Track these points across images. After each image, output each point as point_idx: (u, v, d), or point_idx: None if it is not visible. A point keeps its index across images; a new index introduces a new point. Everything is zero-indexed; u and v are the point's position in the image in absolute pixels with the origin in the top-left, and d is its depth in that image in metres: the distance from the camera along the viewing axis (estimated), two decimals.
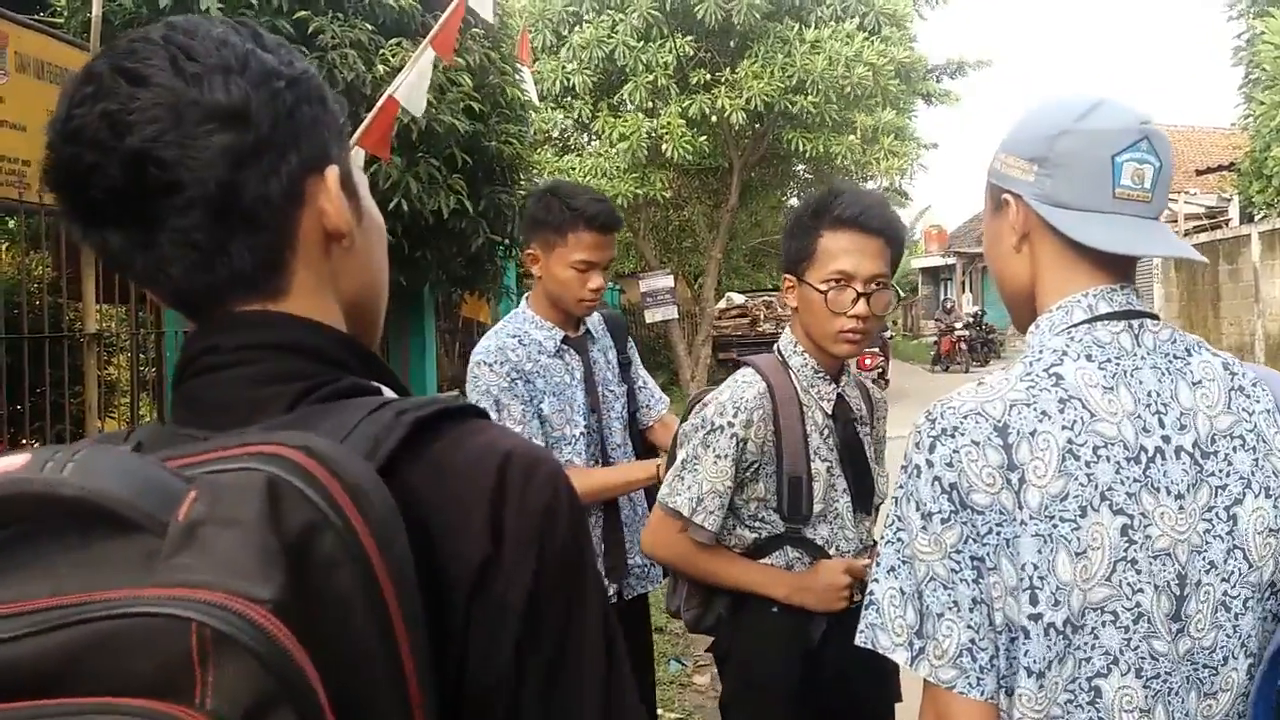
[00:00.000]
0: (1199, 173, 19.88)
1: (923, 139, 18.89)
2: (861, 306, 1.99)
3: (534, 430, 2.48)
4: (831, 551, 2.06)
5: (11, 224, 5.38)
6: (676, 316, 18.06)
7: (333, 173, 0.78)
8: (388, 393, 0.77)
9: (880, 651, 1.20)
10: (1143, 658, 1.13)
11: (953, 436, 1.16)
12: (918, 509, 1.17)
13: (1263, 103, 12.83)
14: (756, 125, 16.82)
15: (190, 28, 0.73)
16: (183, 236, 0.72)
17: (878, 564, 1.23)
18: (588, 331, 2.68)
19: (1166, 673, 1.13)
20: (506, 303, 13.02)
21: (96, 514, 0.57)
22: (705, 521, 2.05)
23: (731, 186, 18.32)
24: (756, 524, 2.08)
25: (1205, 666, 1.15)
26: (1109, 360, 1.17)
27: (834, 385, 2.10)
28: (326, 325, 0.78)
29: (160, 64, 0.71)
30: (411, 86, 4.60)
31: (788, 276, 2.10)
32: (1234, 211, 17.99)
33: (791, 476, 2.04)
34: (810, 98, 15.35)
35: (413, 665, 0.62)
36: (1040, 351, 1.21)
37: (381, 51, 6.58)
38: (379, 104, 4.73)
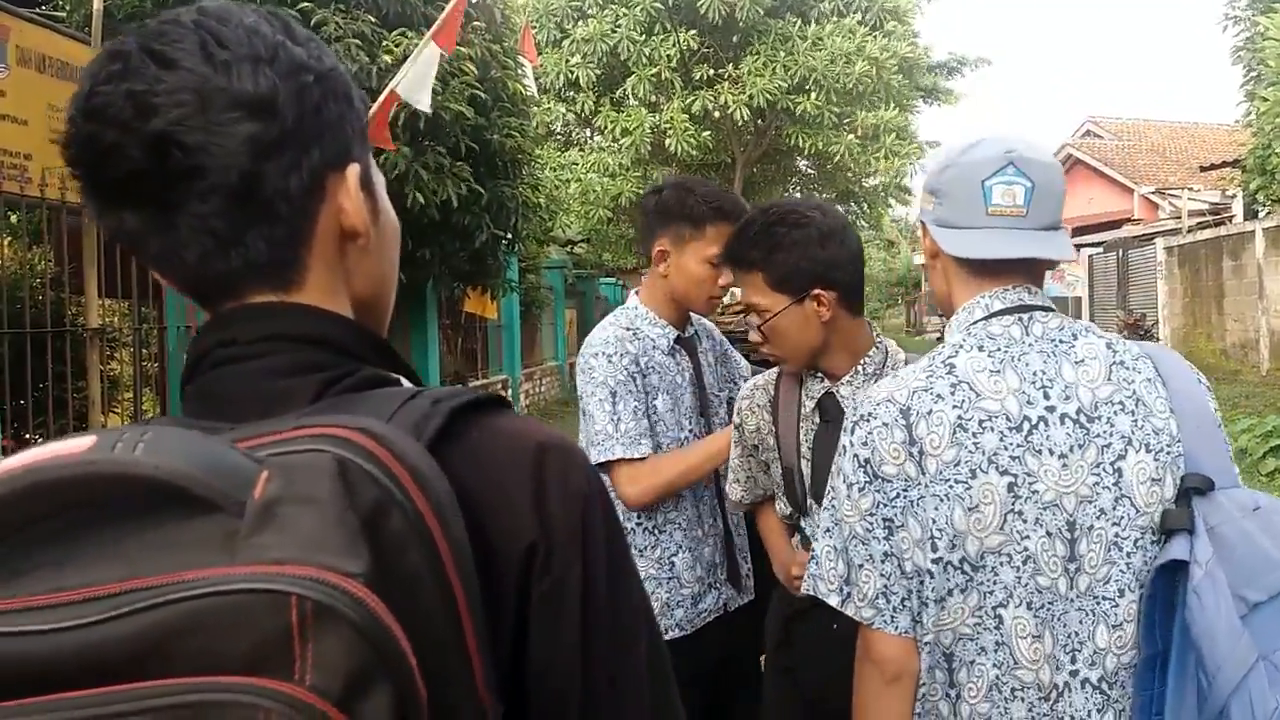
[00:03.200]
0: (1202, 169, 19.81)
1: (924, 138, 18.89)
2: (752, 333, 2.10)
3: (644, 429, 2.38)
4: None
5: (14, 218, 5.37)
6: None
7: (353, 171, 0.78)
8: (405, 384, 0.76)
9: (819, 597, 1.45)
10: (1032, 592, 1.34)
11: (868, 420, 1.40)
12: (843, 480, 1.41)
13: (1266, 99, 12.79)
14: (759, 121, 16.81)
15: (222, 14, 0.73)
16: (201, 222, 0.71)
17: (818, 525, 1.47)
18: (695, 333, 2.61)
19: (1050, 603, 1.34)
20: (510, 297, 13.03)
21: (170, 494, 0.56)
22: (730, 491, 2.31)
23: (734, 182, 18.30)
24: (782, 505, 2.18)
25: (1105, 599, 1.35)
26: (998, 349, 1.39)
27: (822, 383, 2.08)
28: (344, 317, 0.78)
29: (190, 48, 0.70)
30: (414, 81, 4.59)
31: None
32: (1238, 208, 17.95)
33: (786, 467, 2.11)
34: (813, 97, 15.33)
35: (475, 643, 0.63)
36: (943, 347, 1.44)
37: (384, 43, 6.57)
38: (381, 98, 4.73)
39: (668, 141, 16.00)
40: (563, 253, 18.14)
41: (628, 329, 2.47)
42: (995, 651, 1.36)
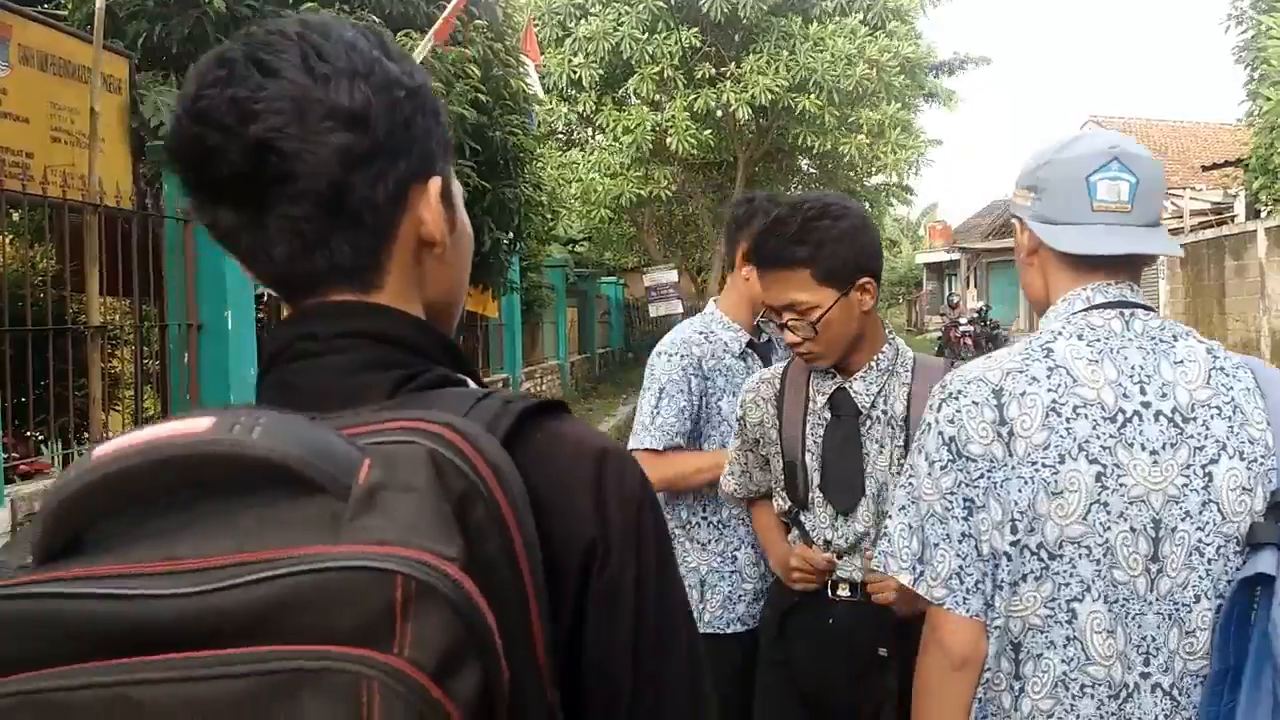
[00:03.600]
0: (1205, 169, 19.77)
1: (928, 135, 18.89)
2: (787, 334, 2.05)
3: (681, 428, 2.48)
4: (815, 539, 2.10)
5: (15, 216, 5.38)
6: (681, 311, 18.05)
7: (435, 184, 0.82)
8: (471, 385, 0.80)
9: (889, 574, 1.45)
10: (1108, 585, 1.33)
11: (956, 398, 1.39)
12: (925, 458, 1.41)
13: (1269, 98, 12.77)
14: (761, 120, 16.80)
15: (324, 28, 0.77)
16: (290, 224, 0.75)
17: (893, 503, 1.47)
18: (770, 340, 2.67)
19: (1126, 600, 1.33)
20: (511, 297, 13.01)
21: (281, 475, 0.60)
22: (724, 483, 2.31)
23: (736, 181, 18.29)
24: (780, 500, 2.18)
25: (1182, 605, 1.34)
26: (1098, 340, 1.38)
27: (834, 379, 2.08)
28: (418, 319, 0.82)
29: (292, 59, 0.74)
30: None
31: None
32: (1240, 207, 17.92)
33: (788, 461, 2.11)
34: (813, 97, 15.33)
35: (541, 635, 0.67)
36: (1040, 333, 1.43)
37: None
38: None
39: (669, 140, 15.99)
40: (564, 252, 18.14)
41: (700, 332, 2.61)
42: (1065, 647, 1.35)
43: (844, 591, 2.08)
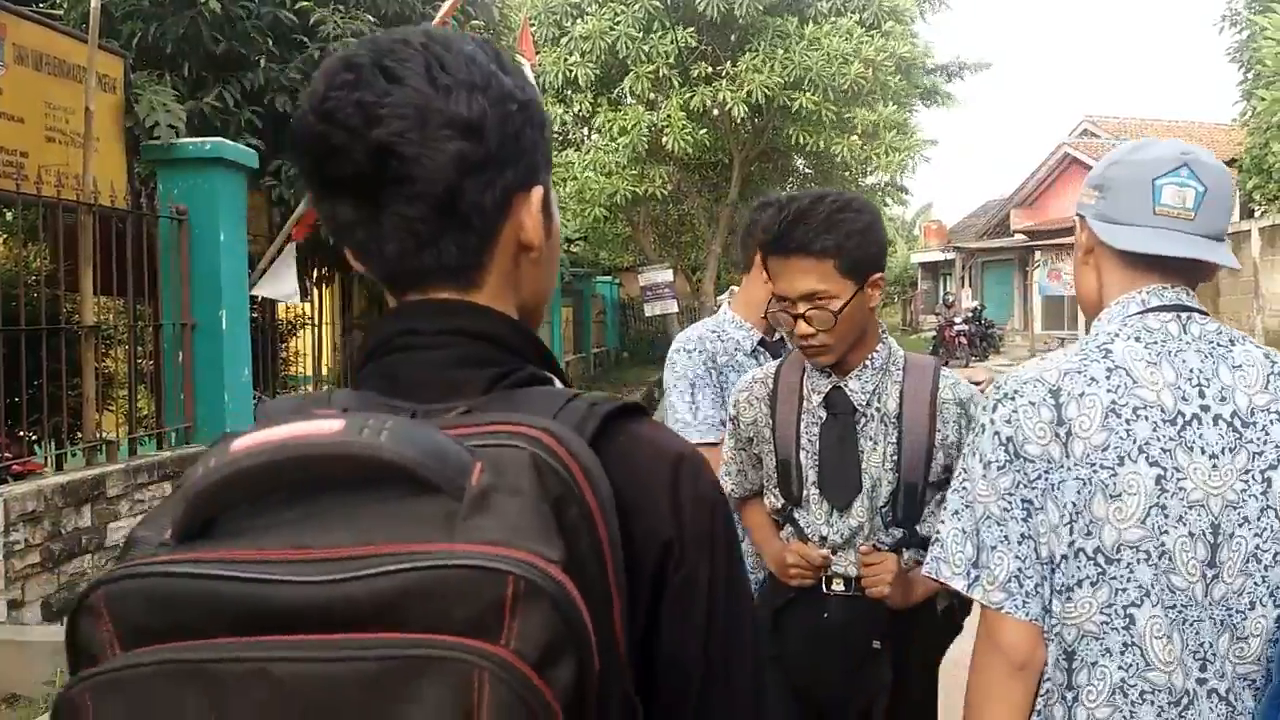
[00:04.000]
0: None
1: (923, 135, 18.89)
2: (801, 325, 2.04)
3: (715, 420, 2.56)
4: (811, 536, 2.12)
5: (9, 215, 5.36)
6: (676, 310, 18.08)
7: (537, 193, 0.87)
8: (557, 384, 0.85)
9: (942, 581, 1.43)
10: (1163, 590, 1.32)
11: (1012, 399, 1.38)
12: (980, 460, 1.39)
13: (1263, 98, 12.80)
14: (756, 119, 16.81)
15: (446, 41, 0.82)
16: (405, 223, 0.80)
17: (945, 508, 1.45)
18: (781, 339, 2.71)
19: (1185, 607, 1.32)
20: None
21: (402, 475, 0.66)
22: (723, 484, 2.28)
23: (731, 181, 18.30)
24: (773, 497, 2.21)
25: (1236, 611, 1.32)
26: (1155, 342, 1.37)
27: (829, 378, 2.10)
28: (512, 318, 0.87)
29: (416, 68, 0.79)
30: None
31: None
32: (1234, 207, 17.94)
33: (782, 459, 2.15)
34: (809, 95, 15.34)
35: (622, 630, 0.72)
36: (1097, 334, 1.42)
37: None
38: None
39: (665, 139, 15.99)
40: (559, 251, 18.14)
41: (713, 330, 2.71)
42: (1122, 653, 1.33)
43: (839, 586, 2.11)
